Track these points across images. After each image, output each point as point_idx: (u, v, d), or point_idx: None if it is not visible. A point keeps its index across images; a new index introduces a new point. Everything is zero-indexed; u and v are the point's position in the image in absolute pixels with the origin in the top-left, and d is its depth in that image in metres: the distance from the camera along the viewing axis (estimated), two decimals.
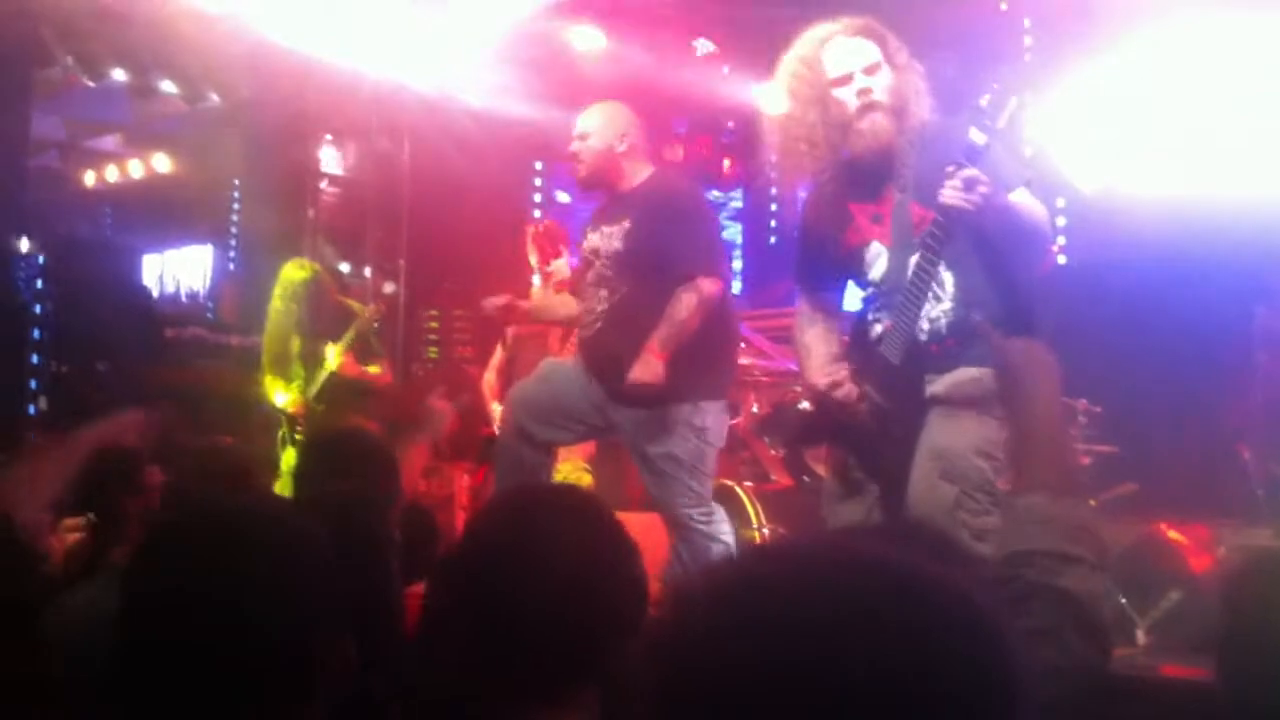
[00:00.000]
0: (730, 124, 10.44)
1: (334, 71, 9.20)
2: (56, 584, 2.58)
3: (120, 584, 1.69)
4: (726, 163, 10.74)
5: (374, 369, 7.42)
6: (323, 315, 7.35)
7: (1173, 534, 5.56)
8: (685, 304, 4.64)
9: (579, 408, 4.97)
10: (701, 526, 4.76)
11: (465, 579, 2.04)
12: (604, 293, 4.85)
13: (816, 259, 4.06)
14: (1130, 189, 6.05)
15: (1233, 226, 6.16)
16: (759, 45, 9.12)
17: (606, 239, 4.86)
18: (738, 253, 10.62)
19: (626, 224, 4.81)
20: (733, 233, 10.82)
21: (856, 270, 3.92)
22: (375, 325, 7.64)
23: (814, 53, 3.79)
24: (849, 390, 3.75)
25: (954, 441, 3.62)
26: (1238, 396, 6.15)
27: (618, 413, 4.87)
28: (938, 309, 3.70)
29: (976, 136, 3.40)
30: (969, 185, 3.38)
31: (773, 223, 10.45)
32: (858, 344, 3.94)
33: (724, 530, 4.92)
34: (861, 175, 3.83)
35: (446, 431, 4.27)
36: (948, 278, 3.69)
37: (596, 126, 4.92)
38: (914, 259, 3.60)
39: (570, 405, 4.97)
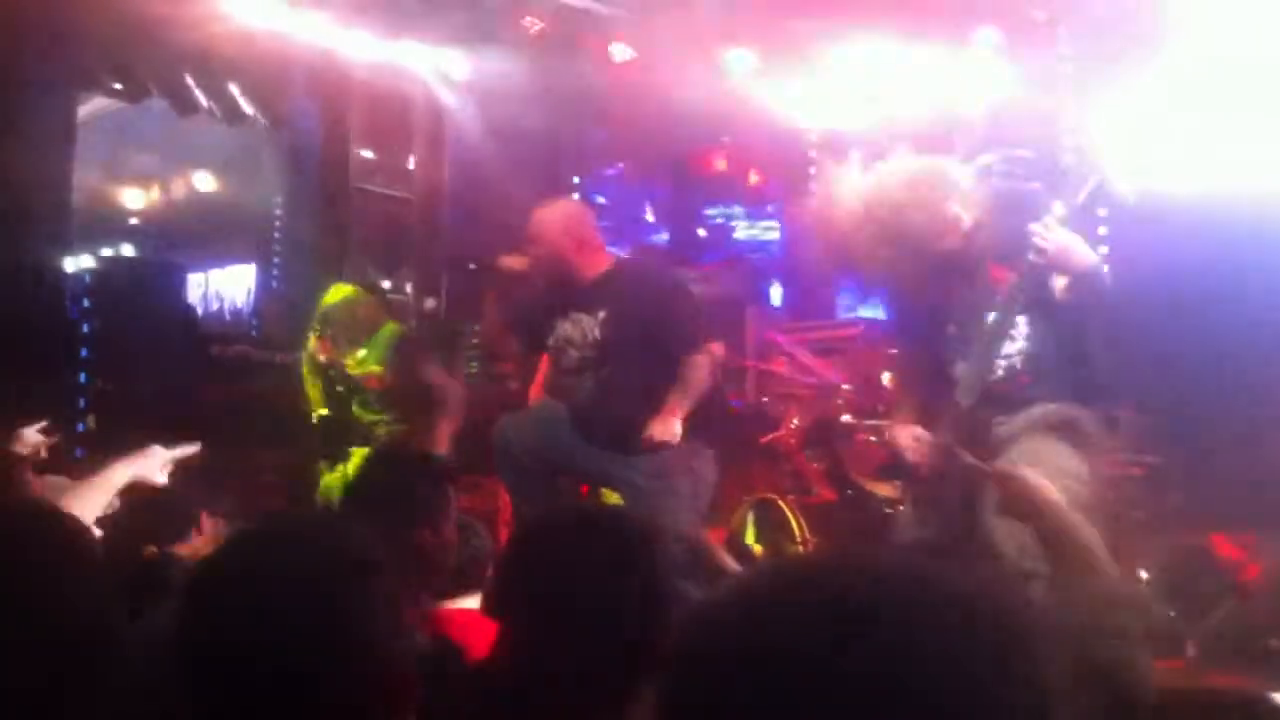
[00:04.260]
0: (763, 139, 10.44)
1: (374, 88, 9.28)
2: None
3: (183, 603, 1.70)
4: (754, 176, 10.78)
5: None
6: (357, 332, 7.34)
7: (1221, 546, 5.52)
8: (699, 366, 5.02)
9: (572, 456, 5.18)
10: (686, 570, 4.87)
11: (512, 601, 2.07)
12: (589, 372, 5.16)
13: None
14: (1173, 190, 6.00)
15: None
16: (794, 57, 9.16)
17: (579, 328, 5.16)
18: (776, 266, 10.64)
19: (602, 314, 5.11)
20: (772, 243, 10.84)
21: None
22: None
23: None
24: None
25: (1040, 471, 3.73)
26: None
27: (615, 463, 5.08)
28: (1012, 348, 3.85)
29: (1059, 209, 3.63)
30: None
31: None
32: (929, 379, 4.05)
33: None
34: None
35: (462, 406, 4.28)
36: (1020, 320, 3.83)
37: (543, 232, 5.20)
38: (992, 314, 3.79)
39: (564, 453, 5.17)
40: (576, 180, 10.66)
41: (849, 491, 6.89)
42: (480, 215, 9.37)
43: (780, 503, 6.52)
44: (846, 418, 6.93)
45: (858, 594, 0.93)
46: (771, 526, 6.46)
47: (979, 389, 3.81)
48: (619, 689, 1.91)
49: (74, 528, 2.19)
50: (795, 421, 7.02)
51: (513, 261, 5.33)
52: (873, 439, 6.84)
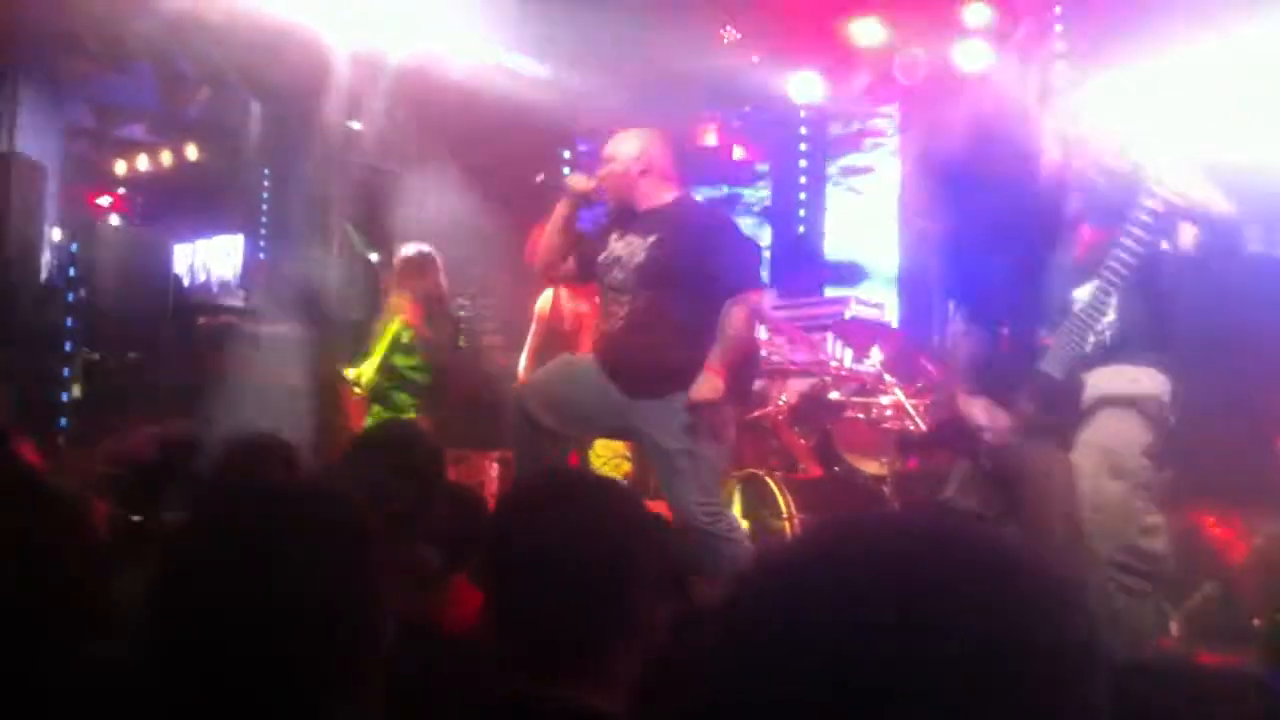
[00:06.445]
0: (749, 110, 10.42)
1: (361, 56, 9.22)
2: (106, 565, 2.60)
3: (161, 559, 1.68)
4: (740, 151, 10.74)
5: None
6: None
7: (1207, 525, 5.53)
8: (738, 318, 4.90)
9: (594, 410, 5.12)
10: (709, 527, 4.81)
11: (494, 570, 2.06)
12: (625, 297, 5.07)
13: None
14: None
15: (1272, 212, 6.08)
16: (787, 34, 9.13)
17: (629, 248, 5.09)
18: (766, 244, 10.61)
19: (654, 238, 5.04)
20: (760, 226, 10.82)
21: None
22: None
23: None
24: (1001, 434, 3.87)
25: (1121, 440, 3.78)
26: (1275, 386, 6.09)
27: (636, 414, 4.99)
28: (1103, 321, 3.80)
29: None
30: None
31: (801, 212, 10.42)
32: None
33: (732, 532, 4.96)
34: None
35: None
36: (1111, 293, 3.79)
37: (618, 152, 5.23)
38: (1091, 285, 3.73)
39: (585, 407, 5.12)
40: (567, 155, 10.63)
41: (836, 468, 6.89)
42: (470, 186, 9.33)
43: (767, 479, 6.51)
44: (834, 395, 6.91)
45: (920, 559, 0.91)
46: (758, 502, 6.45)
47: (1069, 362, 3.77)
48: (591, 656, 1.91)
49: (66, 496, 2.18)
50: (784, 398, 7.01)
51: (579, 181, 5.36)
52: (860, 416, 6.84)
